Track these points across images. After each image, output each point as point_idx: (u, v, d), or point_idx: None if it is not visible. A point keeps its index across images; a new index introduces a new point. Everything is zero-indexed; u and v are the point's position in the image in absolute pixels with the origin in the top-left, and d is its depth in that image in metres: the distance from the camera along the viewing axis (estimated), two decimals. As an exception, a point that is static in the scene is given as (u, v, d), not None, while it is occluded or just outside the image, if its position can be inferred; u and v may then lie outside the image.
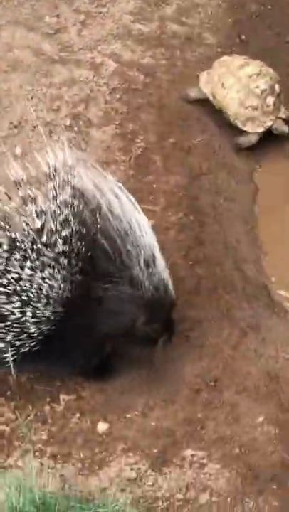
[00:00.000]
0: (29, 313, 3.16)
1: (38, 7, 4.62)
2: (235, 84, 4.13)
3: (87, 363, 3.40)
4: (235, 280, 3.88)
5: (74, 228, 3.09)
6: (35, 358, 3.28)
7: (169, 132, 4.25)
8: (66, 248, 3.10)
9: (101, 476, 3.33)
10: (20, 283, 3.11)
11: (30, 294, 3.13)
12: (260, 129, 4.18)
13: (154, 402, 3.52)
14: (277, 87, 4.17)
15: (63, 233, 3.09)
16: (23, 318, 3.17)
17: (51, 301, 3.16)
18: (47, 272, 3.10)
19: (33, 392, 3.53)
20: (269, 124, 4.17)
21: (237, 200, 4.09)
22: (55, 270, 3.12)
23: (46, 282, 3.12)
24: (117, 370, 3.61)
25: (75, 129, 3.79)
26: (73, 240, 3.10)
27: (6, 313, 3.15)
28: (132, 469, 3.34)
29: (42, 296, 3.14)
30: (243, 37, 4.59)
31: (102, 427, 3.45)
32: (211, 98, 4.23)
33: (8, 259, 3.10)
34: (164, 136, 4.24)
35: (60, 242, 3.08)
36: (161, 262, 3.33)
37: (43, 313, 3.17)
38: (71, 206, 3.10)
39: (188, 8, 4.68)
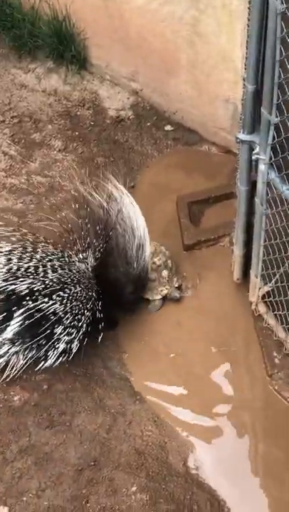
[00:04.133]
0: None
1: None
2: None
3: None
4: (104, 376, 4.13)
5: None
6: None
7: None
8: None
9: None
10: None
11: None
12: (158, 297, 4.36)
13: (46, 484, 3.75)
14: (169, 261, 4.38)
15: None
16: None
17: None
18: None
19: None
20: (165, 292, 4.36)
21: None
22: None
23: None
24: (14, 459, 3.82)
25: None
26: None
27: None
28: None
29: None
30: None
31: (2, 511, 3.68)
32: None
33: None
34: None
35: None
36: (147, 250, 4.17)
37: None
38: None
39: (48, 164, 5.02)
